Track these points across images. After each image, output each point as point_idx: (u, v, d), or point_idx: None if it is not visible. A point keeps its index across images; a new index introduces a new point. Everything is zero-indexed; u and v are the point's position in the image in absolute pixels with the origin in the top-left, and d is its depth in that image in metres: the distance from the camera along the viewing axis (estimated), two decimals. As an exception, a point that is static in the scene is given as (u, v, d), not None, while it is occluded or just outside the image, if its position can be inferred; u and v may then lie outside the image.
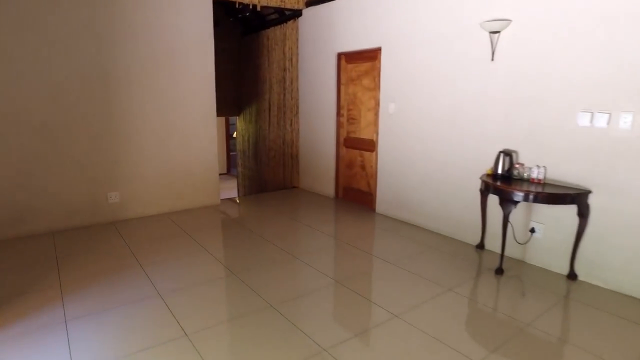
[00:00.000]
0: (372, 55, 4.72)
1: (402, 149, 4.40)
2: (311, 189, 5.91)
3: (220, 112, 7.31)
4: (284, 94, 6.14)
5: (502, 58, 3.38)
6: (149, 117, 4.46)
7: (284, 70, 6.08)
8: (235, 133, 7.76)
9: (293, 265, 3.32)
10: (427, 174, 4.16)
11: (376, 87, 4.71)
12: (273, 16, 6.28)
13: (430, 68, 3.98)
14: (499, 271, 3.18)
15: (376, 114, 4.76)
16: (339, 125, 5.33)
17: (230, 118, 10.59)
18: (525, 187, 3.04)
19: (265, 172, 6.84)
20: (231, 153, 11.32)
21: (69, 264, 3.27)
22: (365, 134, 4.97)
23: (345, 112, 5.22)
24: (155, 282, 2.95)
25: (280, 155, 6.40)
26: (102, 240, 3.81)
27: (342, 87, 5.21)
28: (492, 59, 3.44)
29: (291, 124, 6.09)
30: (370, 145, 4.92)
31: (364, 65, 4.85)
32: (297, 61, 5.83)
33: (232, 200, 5.65)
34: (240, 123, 7.54)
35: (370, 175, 4.98)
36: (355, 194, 5.24)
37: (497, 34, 3.35)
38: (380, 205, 4.77)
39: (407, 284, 3.01)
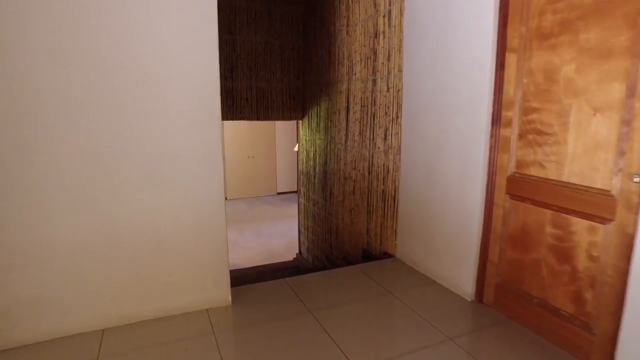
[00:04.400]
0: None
1: None
2: (420, 267, 3.01)
3: (277, 114, 4.78)
4: (374, 82, 3.34)
5: None
6: (69, 124, 1.98)
7: (375, 36, 3.28)
8: (297, 146, 5.16)
9: None
10: None
11: (635, 48, 1.69)
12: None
13: None
14: None
15: (628, 123, 1.74)
16: (497, 144, 2.37)
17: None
18: None
19: (337, 214, 4.10)
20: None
21: None
22: (578, 174, 1.94)
23: (518, 115, 2.24)
24: None
25: (365, 191, 3.61)
26: None
27: (511, 57, 2.24)
28: None
29: (385, 137, 3.27)
30: (597, 205, 1.87)
31: (587, -6, 1.85)
32: (400, 15, 2.99)
33: (255, 288, 2.96)
34: (303, 130, 4.91)
35: (588, 279, 1.94)
36: (534, 309, 2.22)
37: None
38: (628, 373, 1.72)
39: None
